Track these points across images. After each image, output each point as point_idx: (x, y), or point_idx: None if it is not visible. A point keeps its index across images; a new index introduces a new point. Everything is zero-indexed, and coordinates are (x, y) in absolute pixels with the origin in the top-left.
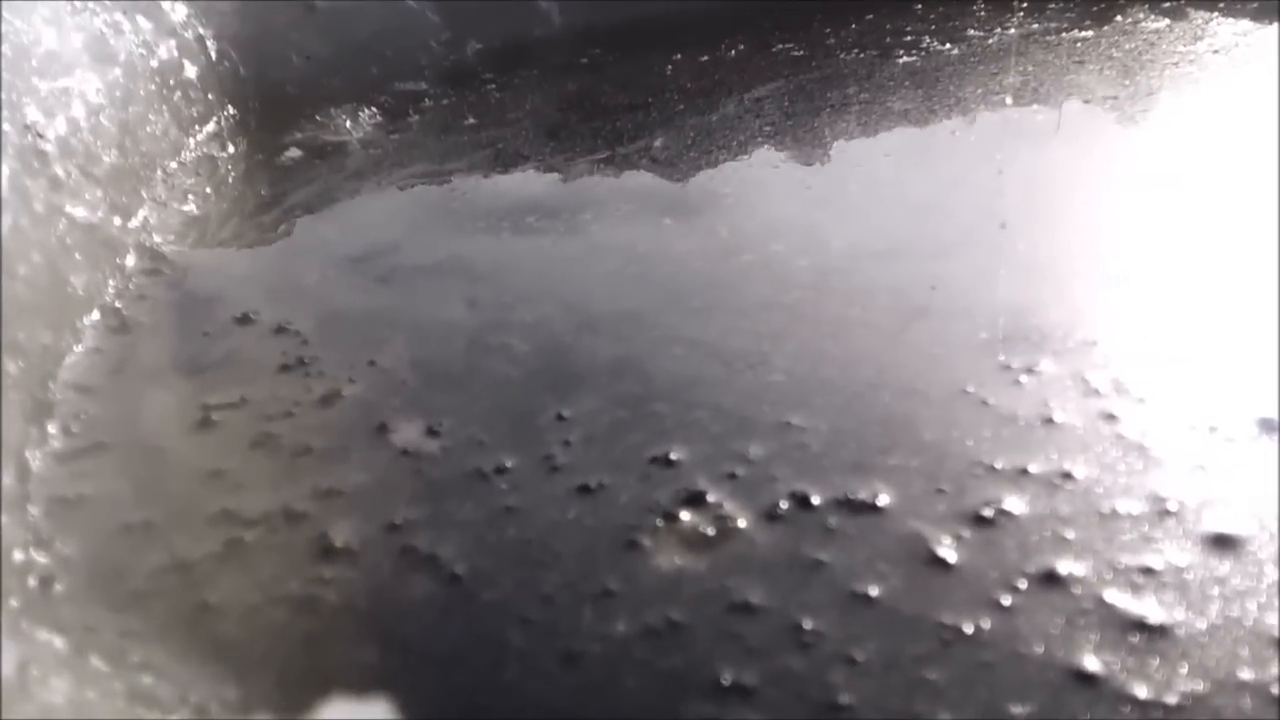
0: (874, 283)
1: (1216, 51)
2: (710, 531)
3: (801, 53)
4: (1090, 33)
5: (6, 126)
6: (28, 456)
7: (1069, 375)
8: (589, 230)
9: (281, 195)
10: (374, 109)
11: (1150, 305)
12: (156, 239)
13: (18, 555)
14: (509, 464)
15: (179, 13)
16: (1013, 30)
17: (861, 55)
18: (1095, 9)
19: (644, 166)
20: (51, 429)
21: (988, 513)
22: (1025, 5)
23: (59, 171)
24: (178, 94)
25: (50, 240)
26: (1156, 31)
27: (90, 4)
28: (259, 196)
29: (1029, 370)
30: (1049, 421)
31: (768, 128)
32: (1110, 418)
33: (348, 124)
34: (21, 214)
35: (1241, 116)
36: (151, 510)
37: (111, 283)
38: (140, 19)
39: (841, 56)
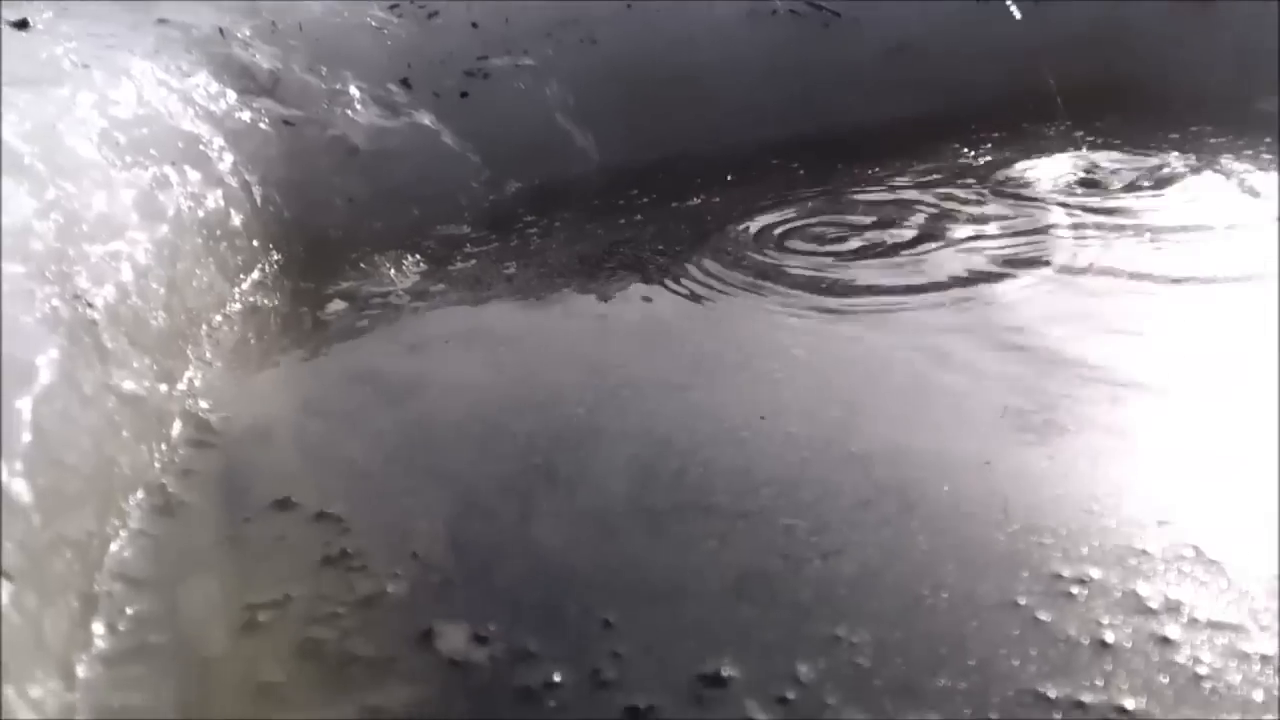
0: (917, 461)
1: None
2: None
3: (837, 188)
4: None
5: (57, 302)
6: (73, 661)
7: (1120, 588)
8: (641, 394)
9: (325, 352)
10: (417, 255)
11: (1200, 511)
12: (203, 404)
13: None
14: (557, 678)
15: (226, 161)
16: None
17: (898, 185)
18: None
19: (690, 316)
20: (97, 628)
21: None
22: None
23: (107, 343)
24: (223, 244)
25: (98, 422)
26: None
27: (140, 159)
28: (304, 354)
29: (1080, 581)
30: (1102, 644)
31: (810, 269)
32: (1164, 641)
33: (392, 273)
34: (71, 399)
35: None
36: None
37: (157, 457)
38: (189, 170)
39: (877, 189)
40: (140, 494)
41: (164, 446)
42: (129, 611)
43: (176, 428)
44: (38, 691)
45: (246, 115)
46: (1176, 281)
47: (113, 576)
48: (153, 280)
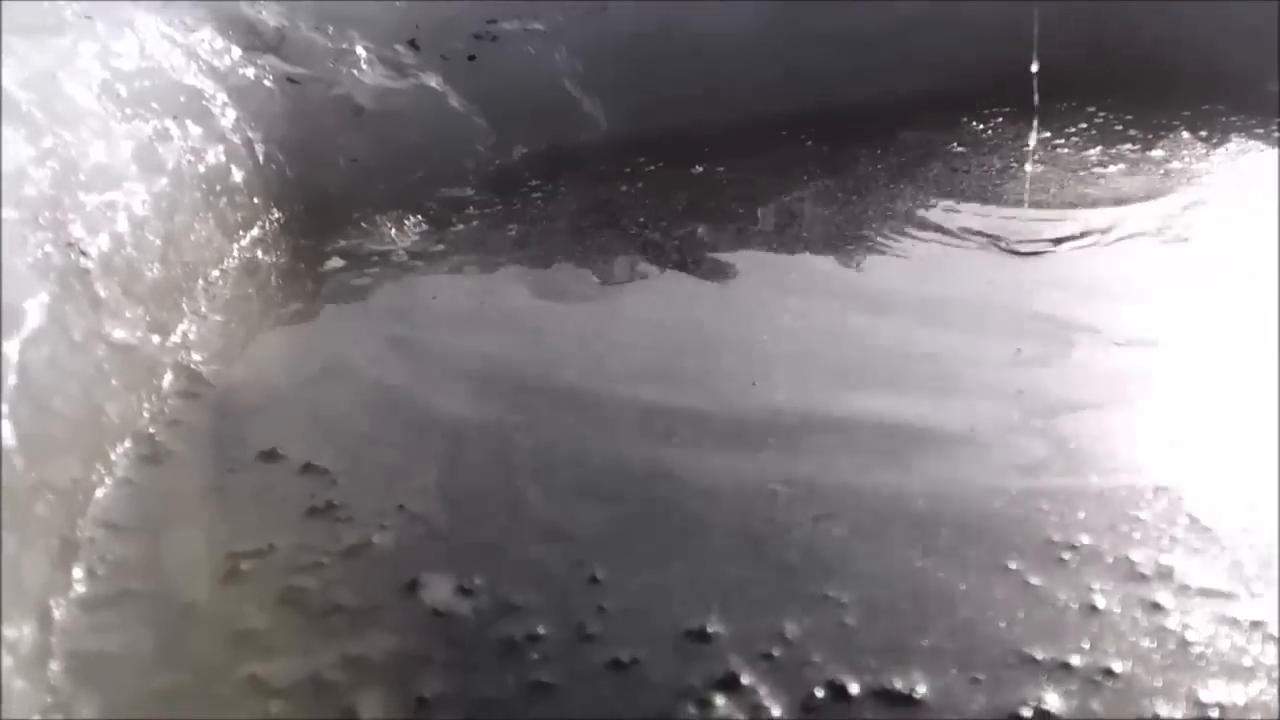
0: (911, 427)
1: None
2: None
3: (845, 160)
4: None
5: (50, 248)
6: (51, 604)
7: (1112, 554)
8: (632, 354)
9: (322, 308)
10: (419, 216)
11: (1196, 479)
12: (195, 357)
13: None
14: (541, 631)
15: (229, 117)
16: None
17: (907, 159)
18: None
19: (686, 282)
20: (77, 572)
21: (1026, 713)
22: (1071, 128)
23: (100, 291)
24: (224, 199)
25: (87, 369)
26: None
27: (141, 111)
28: (300, 309)
29: (1072, 547)
30: (1091, 609)
31: (807, 239)
32: (1154, 607)
33: (393, 232)
34: (60, 344)
35: None
36: (178, 674)
37: (146, 406)
38: (190, 124)
39: (885, 163)
40: (128, 442)
41: (154, 396)
42: (110, 558)
43: (167, 378)
44: (12, 634)
45: (250, 72)
46: None
47: (95, 523)
48: (149, 232)
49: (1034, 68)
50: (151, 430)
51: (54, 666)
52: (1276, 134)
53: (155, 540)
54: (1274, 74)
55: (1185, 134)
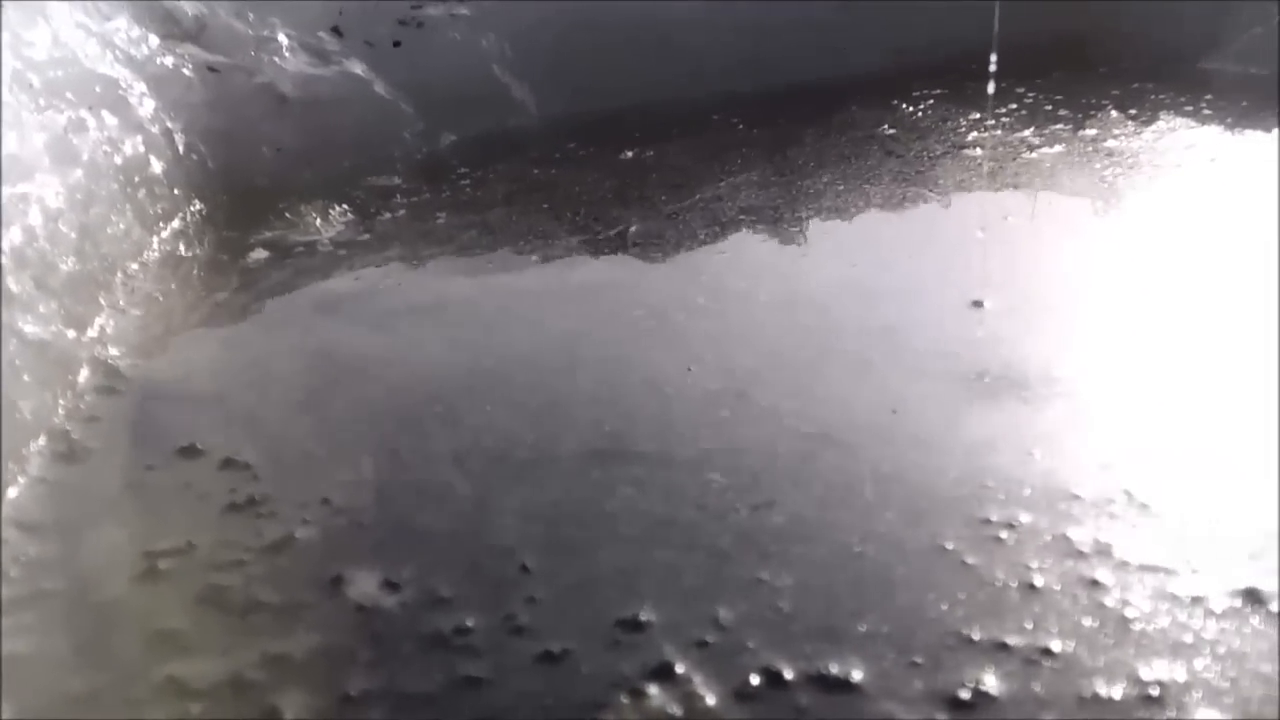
0: (845, 405)
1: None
2: (678, 712)
3: (777, 144)
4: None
5: None
6: None
7: (1049, 533)
8: (559, 343)
9: (245, 301)
10: (345, 205)
11: (1134, 456)
12: (113, 351)
13: None
14: (470, 624)
15: (147, 107)
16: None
17: (839, 143)
18: (1077, 115)
19: (616, 269)
20: None
21: (964, 695)
22: (1002, 108)
23: (11, 285)
24: (142, 191)
25: None
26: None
27: (55, 101)
28: (222, 301)
29: (1009, 526)
30: (1030, 587)
31: (738, 223)
32: (1092, 584)
33: (318, 222)
34: None
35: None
36: (95, 676)
37: (62, 403)
38: (106, 115)
39: (817, 147)
40: (42, 440)
41: (69, 392)
42: (23, 558)
43: (84, 374)
44: None
45: (169, 60)
46: None
47: (9, 523)
48: (63, 224)
49: (992, 63)
50: (67, 427)
51: None
52: (1205, 110)
53: (71, 540)
54: (1202, 52)
55: (1115, 112)
